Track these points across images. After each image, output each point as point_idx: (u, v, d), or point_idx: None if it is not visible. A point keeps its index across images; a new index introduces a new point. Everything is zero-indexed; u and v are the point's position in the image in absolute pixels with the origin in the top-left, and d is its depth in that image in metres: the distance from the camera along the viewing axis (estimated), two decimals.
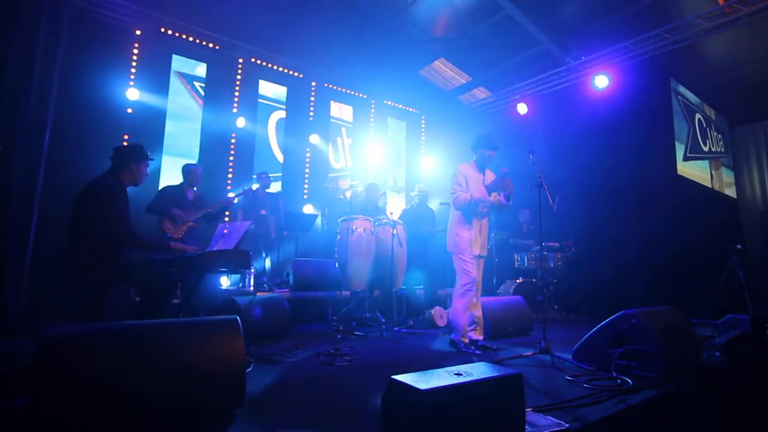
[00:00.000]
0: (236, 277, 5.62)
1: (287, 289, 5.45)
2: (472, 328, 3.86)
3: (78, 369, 1.67)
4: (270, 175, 6.34)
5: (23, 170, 4.83)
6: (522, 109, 8.44)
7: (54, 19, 5.29)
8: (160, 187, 6.21)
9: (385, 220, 5.06)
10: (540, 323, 3.66)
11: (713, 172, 9.21)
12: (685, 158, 8.06)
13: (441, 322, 5.09)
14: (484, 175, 3.96)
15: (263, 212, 5.95)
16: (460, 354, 3.61)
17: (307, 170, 7.93)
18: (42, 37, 5.05)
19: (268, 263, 6.14)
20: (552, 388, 2.55)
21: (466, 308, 3.76)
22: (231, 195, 5.16)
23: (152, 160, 3.43)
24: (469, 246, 3.78)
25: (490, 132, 4.07)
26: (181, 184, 4.95)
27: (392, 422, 1.69)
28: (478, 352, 3.65)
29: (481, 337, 3.88)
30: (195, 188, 4.98)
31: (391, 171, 9.20)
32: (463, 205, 3.77)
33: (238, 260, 3.10)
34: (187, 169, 4.97)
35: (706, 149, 8.97)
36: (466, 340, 3.75)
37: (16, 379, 2.30)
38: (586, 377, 2.73)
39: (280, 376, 2.83)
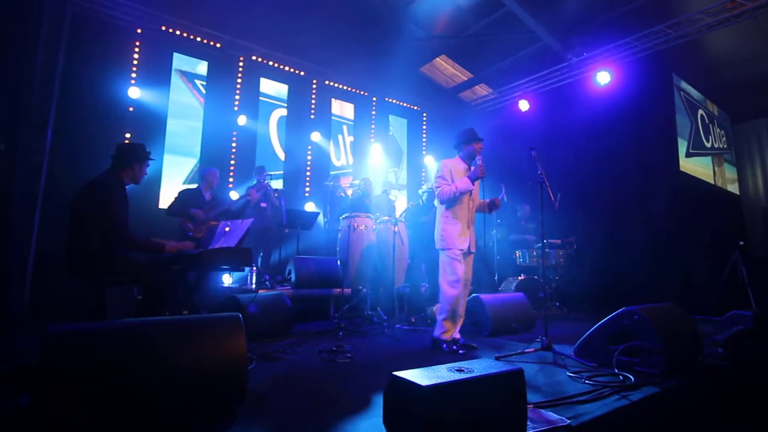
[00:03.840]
0: (239, 274, 5.64)
1: (289, 287, 5.46)
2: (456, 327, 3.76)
3: (80, 366, 1.68)
4: (271, 172, 6.36)
5: (25, 169, 4.84)
6: (524, 105, 8.43)
7: (55, 18, 5.29)
8: (161, 185, 6.27)
9: (386, 218, 5.07)
10: (542, 320, 3.65)
11: (716, 169, 9.18)
12: (688, 154, 8.03)
13: None
14: (470, 168, 3.90)
15: (263, 205, 6.00)
16: (444, 354, 3.51)
17: (308, 168, 7.94)
18: (43, 36, 5.05)
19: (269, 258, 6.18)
20: (553, 385, 2.55)
21: (452, 306, 3.67)
22: (253, 192, 5.32)
23: (153, 159, 3.44)
24: (457, 240, 3.71)
25: (470, 127, 3.98)
26: (198, 186, 5.15)
27: (394, 418, 1.69)
28: (462, 351, 3.54)
29: (459, 336, 3.77)
30: (211, 190, 5.15)
31: (392, 168, 9.20)
32: (448, 198, 3.72)
33: (239, 258, 3.10)
34: (205, 172, 5.19)
35: (708, 145, 8.94)
36: (449, 338, 3.65)
37: (19, 376, 2.31)
38: (587, 373, 2.73)
39: (282, 373, 2.84)
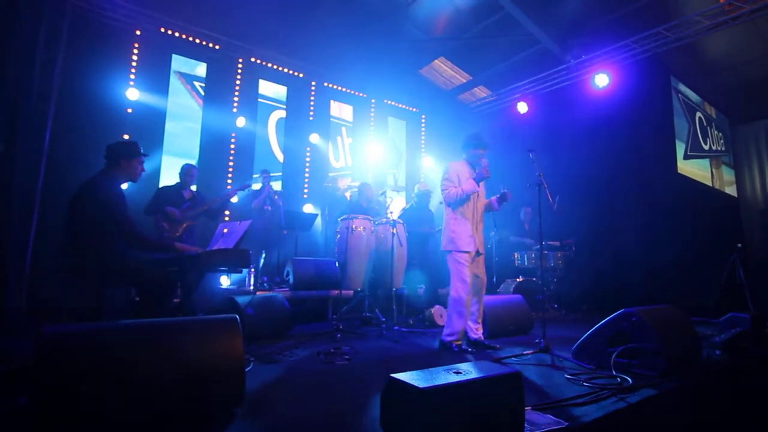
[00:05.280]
0: (237, 276, 5.63)
1: (287, 288, 5.45)
2: (476, 327, 3.85)
3: (77, 368, 1.68)
4: (272, 173, 6.36)
5: (24, 170, 4.84)
6: (522, 108, 8.44)
7: (54, 20, 5.29)
8: (159, 187, 6.25)
9: (384, 219, 5.06)
10: (540, 322, 3.65)
11: (714, 171, 9.20)
12: (686, 157, 8.05)
13: (441, 321, 5.08)
14: (474, 172, 3.95)
15: (267, 208, 6.00)
16: (456, 353, 3.56)
17: (307, 169, 7.93)
18: (42, 37, 5.06)
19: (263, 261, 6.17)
20: (551, 387, 2.55)
21: (463, 311, 3.70)
22: (229, 189, 5.22)
23: (146, 155, 3.34)
24: (467, 242, 3.74)
25: (479, 131, 4.06)
26: (177, 183, 5.05)
27: (392, 421, 1.69)
28: (471, 350, 3.60)
29: (481, 336, 3.85)
30: (192, 187, 5.04)
31: (391, 170, 9.20)
32: (454, 200, 3.77)
33: (237, 259, 3.10)
34: (183, 170, 5.09)
35: (706, 148, 8.96)
36: (459, 343, 3.67)
37: (16, 378, 2.31)
38: (585, 376, 2.73)
39: (280, 375, 2.83)
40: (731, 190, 9.92)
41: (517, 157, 7.32)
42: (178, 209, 4.75)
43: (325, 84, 8.31)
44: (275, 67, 7.71)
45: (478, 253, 3.83)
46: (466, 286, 3.70)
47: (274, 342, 3.89)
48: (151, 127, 6.27)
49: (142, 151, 3.30)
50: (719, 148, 9.63)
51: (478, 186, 3.77)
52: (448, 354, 3.56)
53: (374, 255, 5.01)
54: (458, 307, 3.70)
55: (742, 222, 9.67)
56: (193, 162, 6.65)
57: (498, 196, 3.97)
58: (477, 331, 3.85)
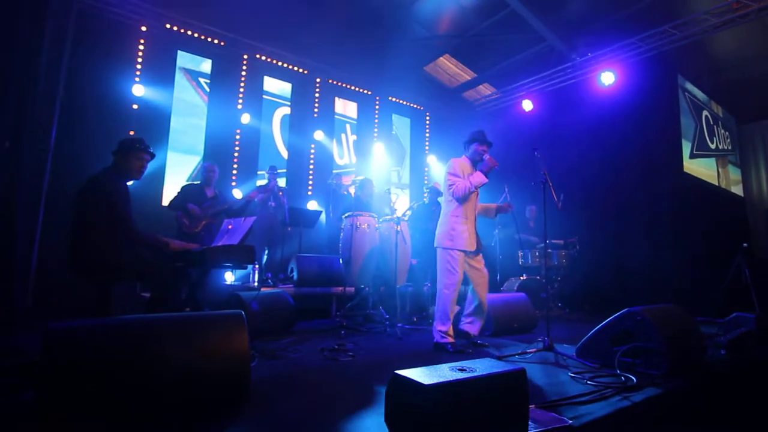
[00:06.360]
0: (242, 272, 5.65)
1: (291, 285, 5.46)
2: (469, 321, 3.83)
3: (83, 363, 1.69)
4: (279, 170, 6.39)
5: (30, 167, 4.86)
6: (527, 105, 8.42)
7: (60, 16, 5.30)
8: (164, 183, 6.30)
9: (388, 217, 5.07)
10: (544, 320, 3.65)
11: (720, 170, 9.14)
12: (692, 156, 8.00)
13: None
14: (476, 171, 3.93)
15: (272, 204, 6.03)
16: (448, 354, 3.50)
17: (311, 166, 7.95)
18: (48, 34, 5.07)
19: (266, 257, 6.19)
20: (555, 385, 2.55)
21: (451, 308, 3.64)
22: (254, 194, 5.26)
23: (148, 151, 3.24)
24: (465, 241, 3.68)
25: (482, 129, 3.99)
26: (201, 182, 5.25)
27: (396, 417, 1.70)
28: (470, 350, 3.54)
29: (476, 333, 3.82)
30: (213, 186, 5.23)
31: (395, 168, 9.19)
32: (463, 195, 3.68)
33: (242, 255, 3.11)
34: (204, 168, 5.29)
35: (713, 147, 8.90)
36: (453, 342, 3.62)
37: (22, 373, 2.33)
38: (589, 374, 2.73)
39: (284, 371, 2.85)
40: (737, 190, 9.86)
41: (522, 155, 7.33)
42: (201, 208, 4.91)
43: (330, 81, 8.31)
44: (280, 63, 7.71)
45: (477, 252, 3.81)
46: (455, 283, 3.65)
47: (278, 338, 3.91)
48: (156, 124, 6.30)
49: (143, 147, 3.19)
50: (726, 147, 9.57)
51: (487, 178, 3.69)
52: (452, 352, 3.55)
53: (378, 252, 5.02)
54: (447, 302, 3.64)
55: (748, 221, 9.61)
56: (199, 158, 6.69)
57: (498, 206, 3.97)
58: (469, 324, 3.82)
